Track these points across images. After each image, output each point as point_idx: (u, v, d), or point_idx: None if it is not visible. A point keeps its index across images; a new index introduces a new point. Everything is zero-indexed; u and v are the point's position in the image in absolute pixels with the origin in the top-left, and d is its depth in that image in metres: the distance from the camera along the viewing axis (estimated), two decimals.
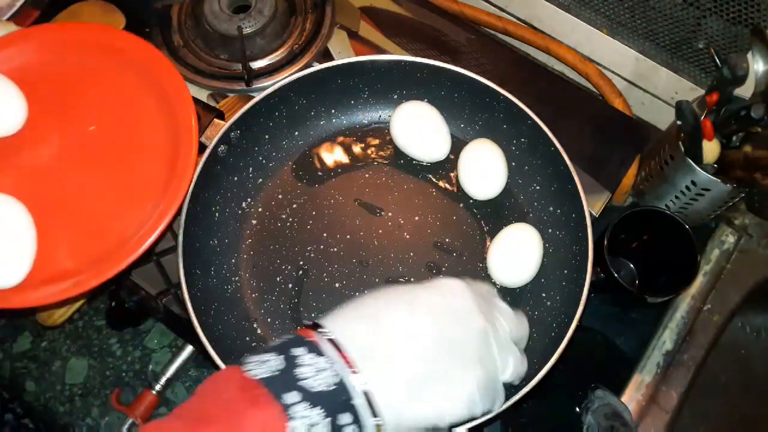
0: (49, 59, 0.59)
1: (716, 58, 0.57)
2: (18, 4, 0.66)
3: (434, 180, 0.61)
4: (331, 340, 0.35)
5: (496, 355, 0.38)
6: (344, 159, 0.62)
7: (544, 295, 0.56)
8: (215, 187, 0.57)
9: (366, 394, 0.33)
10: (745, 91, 0.56)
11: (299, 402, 0.32)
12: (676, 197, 0.62)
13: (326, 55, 0.71)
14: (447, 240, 0.59)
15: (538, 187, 0.60)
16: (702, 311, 0.63)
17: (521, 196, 0.61)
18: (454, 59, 0.71)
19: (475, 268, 0.58)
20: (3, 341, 0.62)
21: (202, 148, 0.55)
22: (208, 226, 0.56)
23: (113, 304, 0.59)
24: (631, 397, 0.59)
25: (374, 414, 0.33)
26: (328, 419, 0.32)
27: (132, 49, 0.58)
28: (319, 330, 0.36)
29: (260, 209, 0.60)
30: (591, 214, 0.54)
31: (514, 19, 0.77)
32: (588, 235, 0.53)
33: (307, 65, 0.69)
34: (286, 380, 0.33)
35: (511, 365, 0.39)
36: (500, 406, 0.40)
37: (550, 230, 0.58)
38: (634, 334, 0.62)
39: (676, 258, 0.58)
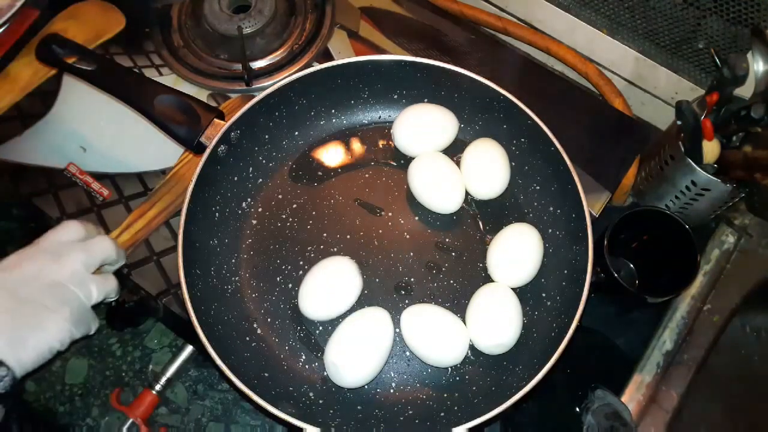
0: None
1: (716, 58, 0.57)
2: (18, 5, 0.66)
3: None
4: None
5: (78, 293, 0.47)
6: (344, 159, 0.62)
7: (544, 295, 0.56)
8: (215, 187, 0.57)
9: None
10: (745, 91, 0.56)
11: None
12: (676, 197, 0.62)
13: (326, 55, 0.71)
14: (447, 240, 0.59)
15: (538, 187, 0.60)
16: (702, 311, 0.63)
17: (521, 196, 0.61)
18: (454, 59, 0.70)
19: (475, 268, 0.58)
20: None
21: (202, 148, 0.55)
22: (208, 226, 0.56)
23: (113, 304, 0.59)
24: (631, 397, 0.59)
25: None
26: None
27: None
28: None
29: (260, 209, 0.60)
30: (591, 214, 0.54)
31: (514, 19, 0.77)
32: (588, 235, 0.53)
33: (307, 65, 0.69)
34: None
35: (95, 291, 0.48)
36: (96, 326, 0.50)
37: (550, 230, 0.58)
38: (634, 334, 0.62)
39: (676, 258, 0.58)
